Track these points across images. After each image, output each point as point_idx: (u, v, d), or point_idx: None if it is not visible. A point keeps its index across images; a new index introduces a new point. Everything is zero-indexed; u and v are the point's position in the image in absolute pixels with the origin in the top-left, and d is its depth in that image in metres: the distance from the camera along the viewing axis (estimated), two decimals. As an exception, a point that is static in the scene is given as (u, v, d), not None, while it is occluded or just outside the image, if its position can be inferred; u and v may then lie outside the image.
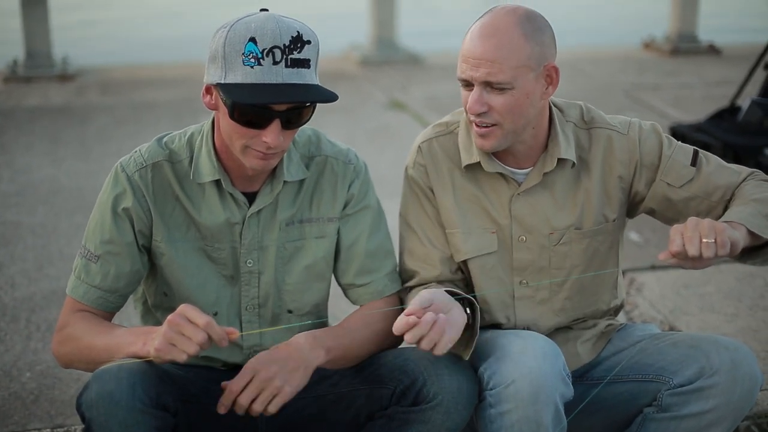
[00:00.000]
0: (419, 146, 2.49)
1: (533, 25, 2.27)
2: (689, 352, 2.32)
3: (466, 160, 2.41)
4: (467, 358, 2.23)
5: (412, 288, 2.45)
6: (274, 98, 2.10)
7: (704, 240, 2.06)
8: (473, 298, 2.26)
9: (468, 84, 2.30)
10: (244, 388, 2.13)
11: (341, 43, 9.62)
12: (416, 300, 2.10)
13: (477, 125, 2.32)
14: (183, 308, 2.01)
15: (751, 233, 2.17)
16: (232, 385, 2.14)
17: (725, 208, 2.36)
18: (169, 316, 2.00)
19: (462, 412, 2.19)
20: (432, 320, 2.05)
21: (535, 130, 2.36)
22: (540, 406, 2.16)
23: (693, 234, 2.07)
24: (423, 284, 2.41)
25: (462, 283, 2.46)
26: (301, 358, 2.19)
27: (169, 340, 1.98)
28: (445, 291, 2.21)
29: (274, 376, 2.14)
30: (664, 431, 2.32)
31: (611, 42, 11.09)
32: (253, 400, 2.13)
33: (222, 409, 2.14)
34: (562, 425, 2.22)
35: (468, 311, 2.23)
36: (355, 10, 12.01)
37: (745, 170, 2.41)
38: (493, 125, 2.31)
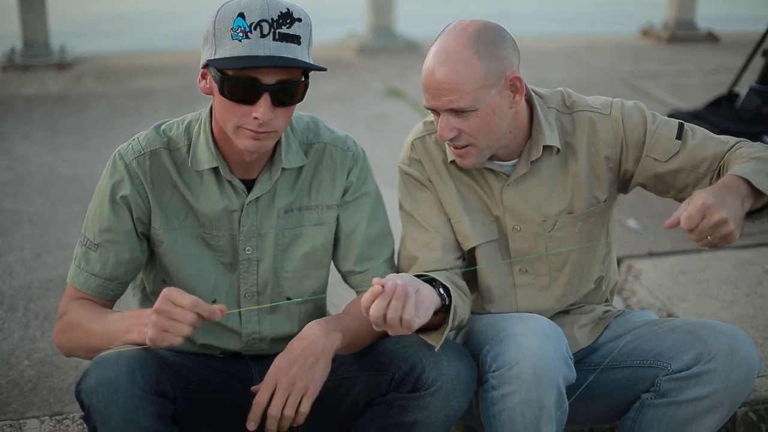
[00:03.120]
0: (412, 143, 2.49)
1: (485, 42, 2.25)
2: (687, 338, 2.33)
3: (451, 156, 2.42)
4: (437, 348, 2.19)
5: None
6: (257, 64, 2.09)
7: (709, 238, 2.06)
8: (447, 286, 2.22)
9: (435, 111, 2.31)
10: (271, 399, 2.16)
11: (339, 31, 9.61)
12: (388, 278, 2.04)
13: (453, 147, 2.34)
14: (166, 293, 2.01)
15: (753, 192, 2.15)
16: (258, 398, 2.16)
17: (712, 179, 2.35)
18: (155, 305, 2.00)
19: (460, 398, 2.19)
20: (394, 287, 1.99)
21: (513, 133, 2.37)
22: (543, 388, 2.17)
23: (705, 230, 2.06)
24: (423, 271, 2.40)
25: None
26: (317, 348, 2.18)
27: (161, 328, 1.99)
28: (415, 275, 2.19)
29: (295, 378, 2.15)
30: (662, 417, 2.33)
31: (609, 29, 11.08)
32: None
33: (252, 425, 2.16)
34: (563, 408, 2.23)
35: (443, 294, 2.19)
36: (352, -2, 11.99)
37: (732, 139, 2.39)
38: (467, 145, 2.31)
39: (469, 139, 2.30)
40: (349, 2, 12.80)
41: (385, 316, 2.00)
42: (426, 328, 2.23)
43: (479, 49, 2.24)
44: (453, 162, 2.43)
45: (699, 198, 2.07)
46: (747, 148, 2.32)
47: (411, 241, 2.45)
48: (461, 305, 2.28)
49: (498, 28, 2.29)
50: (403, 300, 1.99)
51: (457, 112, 2.26)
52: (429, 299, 2.09)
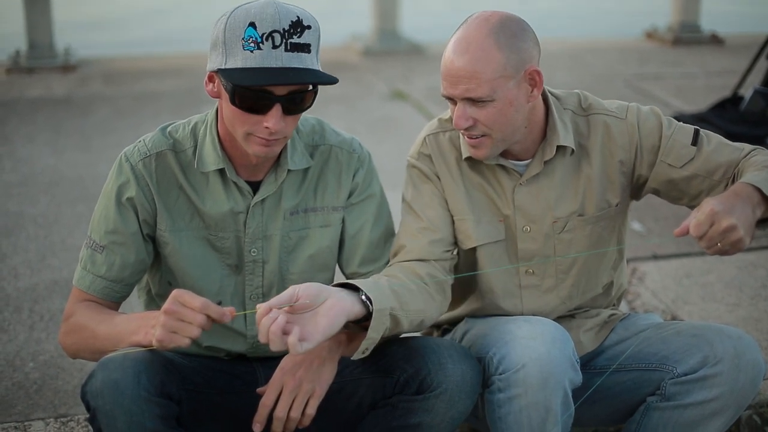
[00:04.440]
0: (425, 138, 2.48)
1: (507, 33, 2.24)
2: (693, 341, 2.32)
3: (466, 153, 2.42)
4: (352, 357, 2.16)
5: (392, 265, 2.40)
6: (273, 80, 2.09)
7: (719, 245, 2.06)
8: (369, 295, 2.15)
9: (452, 99, 2.30)
10: (277, 401, 2.16)
11: (343, 33, 9.62)
12: (281, 295, 2.01)
13: (468, 137, 2.33)
14: (176, 294, 2.00)
15: (764, 200, 2.15)
16: (264, 400, 2.16)
17: (726, 186, 2.35)
18: (165, 305, 2.00)
19: (465, 400, 2.19)
20: (268, 324, 1.95)
21: (528, 128, 2.36)
22: (549, 391, 2.16)
23: (714, 236, 2.05)
24: (406, 260, 2.38)
25: (449, 264, 2.43)
26: (324, 350, 2.19)
27: (170, 329, 1.98)
28: (338, 283, 2.16)
29: (302, 380, 2.16)
30: (667, 420, 2.32)
31: (613, 32, 11.08)
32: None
33: (258, 427, 2.16)
34: (569, 411, 2.23)
35: (366, 301, 2.13)
36: (357, 0, 11.99)
37: (747, 146, 2.39)
38: (482, 136, 2.31)
39: (484, 129, 2.29)
40: (354, 4, 12.81)
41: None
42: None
43: (500, 39, 2.23)
44: (467, 159, 2.42)
45: (707, 205, 2.06)
46: (761, 155, 2.31)
47: (403, 230, 2.45)
48: (420, 305, 2.25)
49: (520, 21, 2.29)
50: (277, 335, 1.95)
51: (474, 102, 2.26)
52: (334, 311, 2.03)
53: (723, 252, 2.08)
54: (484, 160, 2.38)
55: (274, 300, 2.00)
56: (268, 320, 1.96)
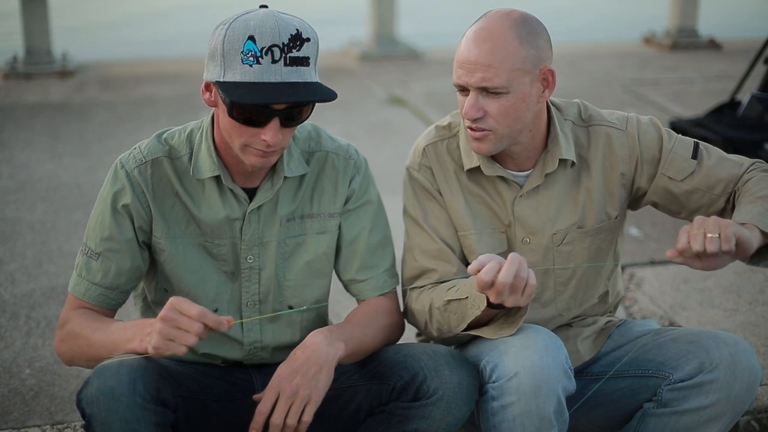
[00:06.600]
0: (424, 148, 2.47)
1: (528, 29, 2.26)
2: (689, 348, 2.32)
3: (467, 164, 2.41)
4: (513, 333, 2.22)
5: (423, 286, 2.41)
6: (272, 98, 2.09)
7: (708, 235, 2.05)
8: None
9: (464, 89, 2.30)
10: (274, 407, 2.14)
11: (341, 38, 9.62)
12: (480, 258, 2.08)
13: (473, 129, 2.32)
14: (174, 301, 2.00)
15: (763, 234, 2.16)
16: (261, 407, 2.14)
17: (727, 201, 2.36)
18: (161, 313, 1.99)
19: (462, 407, 2.19)
20: (518, 259, 2.06)
21: (532, 132, 2.36)
22: (542, 399, 2.16)
23: (698, 231, 2.06)
24: (442, 281, 2.38)
25: None
26: (321, 357, 2.17)
27: (166, 336, 1.98)
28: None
29: (298, 387, 2.15)
30: (663, 426, 2.32)
31: (611, 37, 11.08)
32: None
33: None
34: (563, 418, 2.23)
35: None
36: (355, 5, 12.00)
37: (746, 161, 2.40)
38: (488, 130, 2.30)
39: (492, 124, 2.28)
40: (351, 9, 12.81)
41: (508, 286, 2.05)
42: (476, 324, 2.26)
43: (522, 33, 2.24)
44: (468, 171, 2.42)
45: (681, 229, 2.11)
46: (757, 177, 2.32)
47: (418, 251, 2.43)
48: None
49: (539, 21, 2.31)
50: (526, 273, 2.06)
51: (488, 92, 2.25)
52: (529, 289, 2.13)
53: (723, 244, 2.04)
54: (486, 154, 2.36)
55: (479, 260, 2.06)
56: (525, 271, 2.06)
